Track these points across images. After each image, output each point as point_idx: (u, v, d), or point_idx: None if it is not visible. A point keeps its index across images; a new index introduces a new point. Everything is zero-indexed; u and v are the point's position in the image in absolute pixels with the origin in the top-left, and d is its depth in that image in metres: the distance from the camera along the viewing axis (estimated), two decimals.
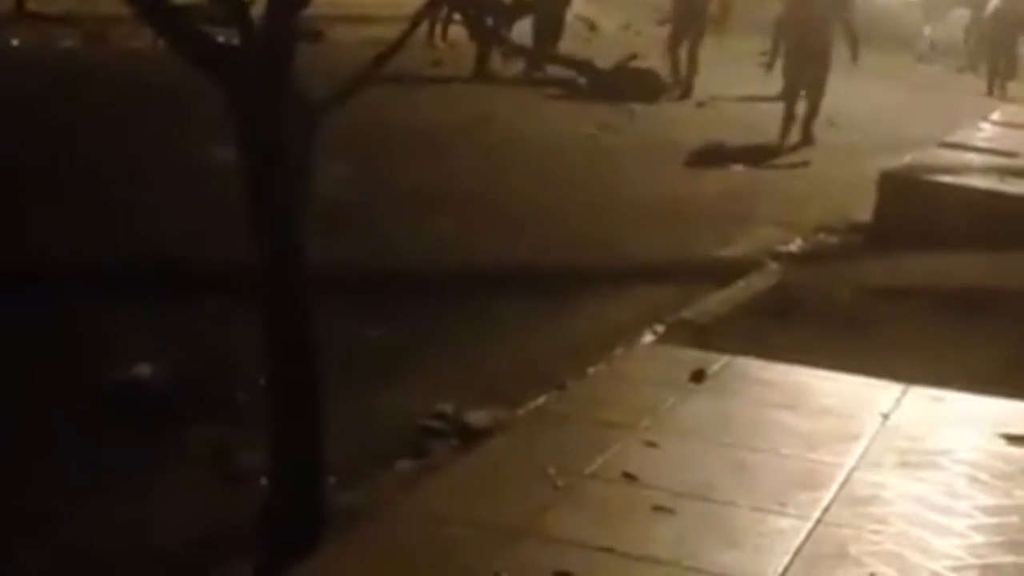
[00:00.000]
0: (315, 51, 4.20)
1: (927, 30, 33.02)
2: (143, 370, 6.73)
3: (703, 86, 21.09)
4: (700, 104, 19.89)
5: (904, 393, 6.98)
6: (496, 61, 20.83)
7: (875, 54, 29.88)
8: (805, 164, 15.88)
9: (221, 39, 4.81)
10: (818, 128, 18.43)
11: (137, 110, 13.63)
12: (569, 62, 21.29)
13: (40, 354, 6.99)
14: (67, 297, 7.87)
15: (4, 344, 7.04)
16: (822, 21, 17.50)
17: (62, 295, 7.90)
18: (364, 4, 22.72)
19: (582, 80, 20.70)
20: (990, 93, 26.05)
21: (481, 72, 20.31)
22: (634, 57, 20.99)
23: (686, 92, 20.77)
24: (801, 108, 17.51)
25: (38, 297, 7.80)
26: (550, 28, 21.82)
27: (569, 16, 22.24)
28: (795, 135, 17.31)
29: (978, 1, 30.01)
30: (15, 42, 17.36)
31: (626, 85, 20.29)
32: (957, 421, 6.69)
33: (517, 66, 21.11)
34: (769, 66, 17.97)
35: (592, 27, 21.75)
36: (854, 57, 18.15)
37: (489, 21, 21.04)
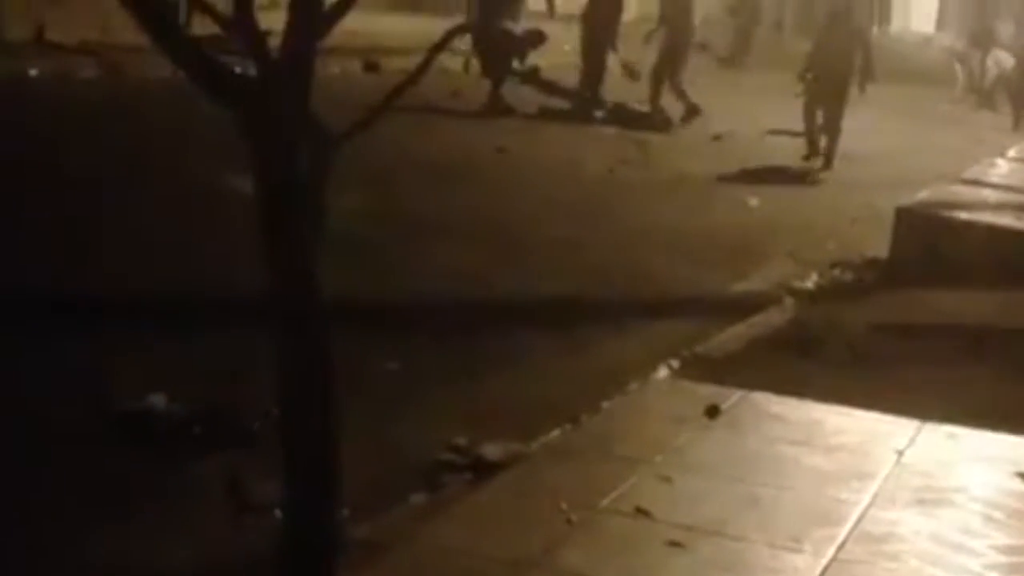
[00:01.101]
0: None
1: (960, 71, 33.05)
2: (157, 400, 6.73)
3: (719, 120, 21.11)
4: (716, 137, 19.90)
5: (919, 430, 6.97)
6: (511, 95, 20.80)
7: (895, 88, 30.01)
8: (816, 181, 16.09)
9: (238, 69, 4.83)
10: (835, 162, 18.50)
11: (155, 140, 13.67)
12: (569, 92, 21.32)
13: (54, 383, 6.99)
14: (81, 326, 7.88)
15: (19, 372, 7.05)
16: (844, 55, 18.29)
17: (77, 324, 7.91)
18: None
19: (600, 113, 20.73)
20: (1016, 128, 26.21)
21: (493, 107, 20.23)
22: (633, 72, 21.13)
23: (690, 114, 20.81)
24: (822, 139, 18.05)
25: (53, 326, 7.81)
26: (594, 69, 21.73)
27: (611, 61, 22.19)
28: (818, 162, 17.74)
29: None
30: (34, 72, 17.42)
31: (640, 118, 20.33)
32: (972, 458, 6.67)
33: (533, 99, 21.11)
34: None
35: (633, 75, 21.70)
36: (862, 88, 18.48)
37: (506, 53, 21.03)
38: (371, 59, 21.68)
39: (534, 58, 21.99)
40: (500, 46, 20.64)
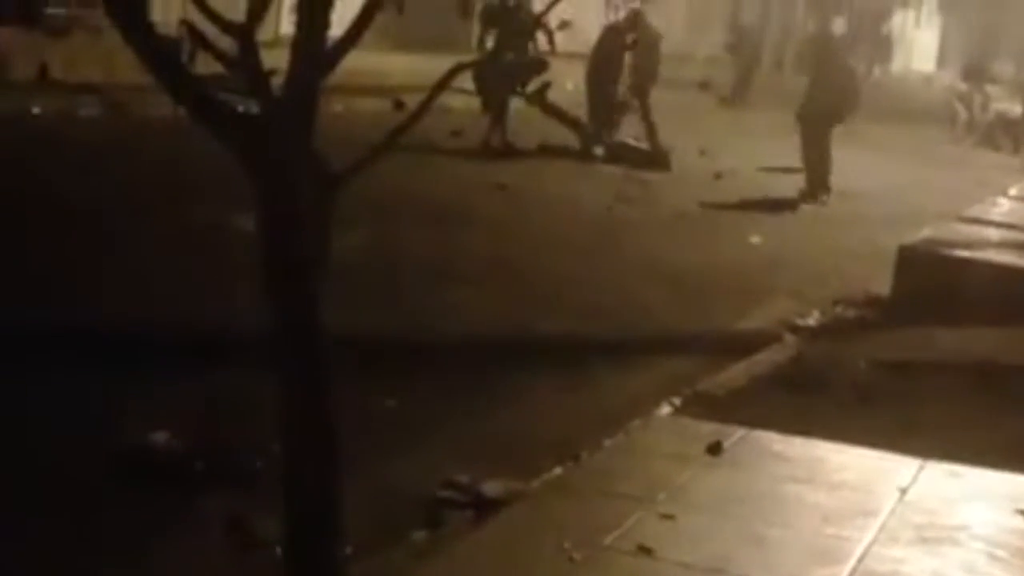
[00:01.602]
0: (397, 117, 4.28)
1: (961, 110, 33.14)
2: (159, 437, 6.72)
3: (721, 158, 21.14)
4: (717, 175, 19.93)
5: (921, 468, 6.96)
6: (511, 133, 20.80)
7: (896, 127, 30.09)
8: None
9: (241, 108, 4.84)
10: (836, 200, 18.56)
11: (157, 178, 13.69)
12: (576, 122, 21.35)
13: (57, 420, 6.98)
14: (84, 363, 7.88)
15: (21, 410, 7.04)
16: (830, 90, 19.26)
17: (78, 360, 7.91)
18: (423, 73, 22.87)
19: (599, 150, 20.75)
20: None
21: (488, 144, 20.20)
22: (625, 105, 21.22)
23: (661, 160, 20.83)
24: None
25: (55, 364, 7.81)
26: (603, 105, 21.74)
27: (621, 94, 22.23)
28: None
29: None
30: (36, 110, 17.46)
31: (640, 155, 20.35)
32: (975, 497, 6.66)
33: (533, 136, 21.10)
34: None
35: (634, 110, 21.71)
36: (840, 120, 19.35)
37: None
38: (398, 97, 21.69)
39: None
40: (501, 81, 20.65)
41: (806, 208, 18.16)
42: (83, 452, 6.62)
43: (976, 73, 35.02)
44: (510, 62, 20.59)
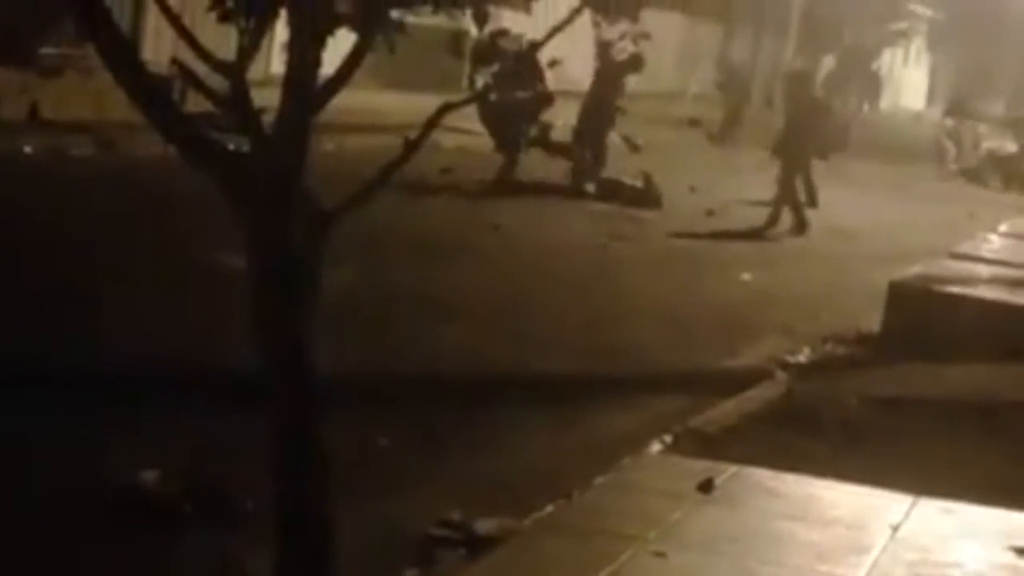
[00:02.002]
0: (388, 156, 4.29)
1: (950, 146, 33.23)
2: (149, 476, 6.71)
3: (713, 195, 21.16)
4: (709, 212, 19.95)
5: (913, 505, 6.95)
6: (522, 170, 20.85)
7: (885, 164, 30.17)
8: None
9: (231, 146, 4.84)
10: (826, 237, 18.61)
11: (147, 216, 13.68)
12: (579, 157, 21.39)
13: (48, 459, 6.96)
14: (75, 402, 7.86)
15: (13, 449, 7.02)
16: (798, 123, 20.15)
17: (71, 400, 7.89)
18: (413, 111, 22.92)
19: (590, 187, 20.76)
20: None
21: (502, 182, 20.26)
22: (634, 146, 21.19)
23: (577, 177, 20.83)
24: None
25: (47, 402, 7.79)
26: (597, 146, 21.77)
27: (615, 136, 22.23)
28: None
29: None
30: (28, 149, 17.45)
31: (632, 193, 20.35)
32: (967, 533, 6.66)
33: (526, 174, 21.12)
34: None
35: (635, 148, 21.69)
36: (823, 156, 20.71)
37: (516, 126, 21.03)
38: (409, 136, 21.64)
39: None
40: (509, 116, 20.63)
41: (794, 243, 18.18)
42: (74, 491, 6.60)
43: (958, 109, 35.34)
44: (518, 99, 20.63)
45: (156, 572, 5.87)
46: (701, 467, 7.31)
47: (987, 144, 31.70)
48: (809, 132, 20.10)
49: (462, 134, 22.15)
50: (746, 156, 26.53)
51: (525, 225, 16.88)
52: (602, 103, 21.81)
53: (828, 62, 53.32)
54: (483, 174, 20.56)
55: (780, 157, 20.00)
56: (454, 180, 19.79)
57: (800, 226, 19.30)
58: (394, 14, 4.69)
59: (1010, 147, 31.31)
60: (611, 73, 22.06)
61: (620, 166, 21.47)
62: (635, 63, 22.11)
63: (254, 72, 4.92)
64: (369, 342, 9.86)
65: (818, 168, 21.99)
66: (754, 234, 18.58)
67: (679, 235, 17.68)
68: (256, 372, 4.88)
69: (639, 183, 20.66)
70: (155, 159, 14.73)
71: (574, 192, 20.55)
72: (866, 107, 50.83)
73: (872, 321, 12.01)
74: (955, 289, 11.91)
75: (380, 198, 5.12)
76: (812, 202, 20.84)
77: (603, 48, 22.60)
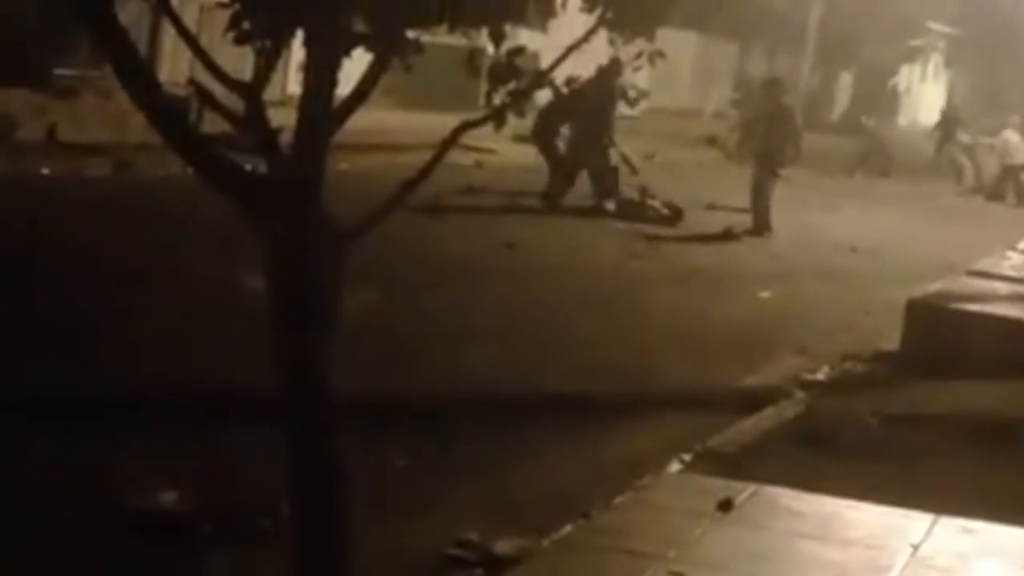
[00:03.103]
0: (404, 176, 4.31)
1: (966, 163, 33.20)
2: (168, 497, 6.71)
3: (731, 213, 21.13)
4: (727, 231, 19.94)
5: (934, 524, 6.92)
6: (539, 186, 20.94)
7: (903, 180, 30.12)
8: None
9: (249, 167, 4.85)
10: (844, 255, 18.58)
11: (165, 237, 13.71)
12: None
13: (66, 480, 6.96)
14: (94, 423, 7.87)
15: (31, 470, 7.03)
16: (768, 130, 21.43)
17: (89, 421, 7.90)
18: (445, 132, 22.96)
19: (610, 205, 20.77)
20: None
21: (554, 200, 20.49)
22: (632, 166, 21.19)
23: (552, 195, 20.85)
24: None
25: (64, 423, 7.80)
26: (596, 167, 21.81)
27: (614, 156, 22.26)
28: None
29: None
30: (45, 171, 17.50)
31: (648, 211, 20.35)
32: (987, 552, 6.63)
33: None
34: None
35: (633, 170, 21.59)
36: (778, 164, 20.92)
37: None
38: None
39: None
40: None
41: (813, 261, 18.12)
42: (92, 512, 6.60)
43: (950, 123, 35.61)
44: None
45: None
46: (720, 486, 7.29)
47: (1009, 160, 31.61)
48: (777, 139, 21.03)
49: (480, 152, 22.20)
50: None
51: (540, 244, 16.88)
52: (600, 122, 21.93)
53: (845, 79, 53.43)
54: (501, 193, 20.62)
55: (755, 161, 21.21)
56: (474, 199, 19.82)
57: (761, 229, 20.20)
58: (410, 33, 4.68)
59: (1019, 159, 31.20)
60: (604, 89, 22.16)
61: (631, 184, 21.48)
62: (614, 68, 22.22)
63: (271, 92, 4.92)
64: (386, 361, 9.84)
65: (837, 185, 22.03)
66: (761, 246, 18.63)
67: (697, 253, 17.67)
68: (273, 391, 4.87)
69: (657, 202, 20.66)
70: (173, 180, 14.80)
71: (594, 210, 20.56)
72: (871, 121, 50.84)
73: (891, 339, 11.97)
74: (974, 307, 11.86)
75: (398, 217, 5.12)
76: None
77: (605, 71, 22.74)
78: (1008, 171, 31.47)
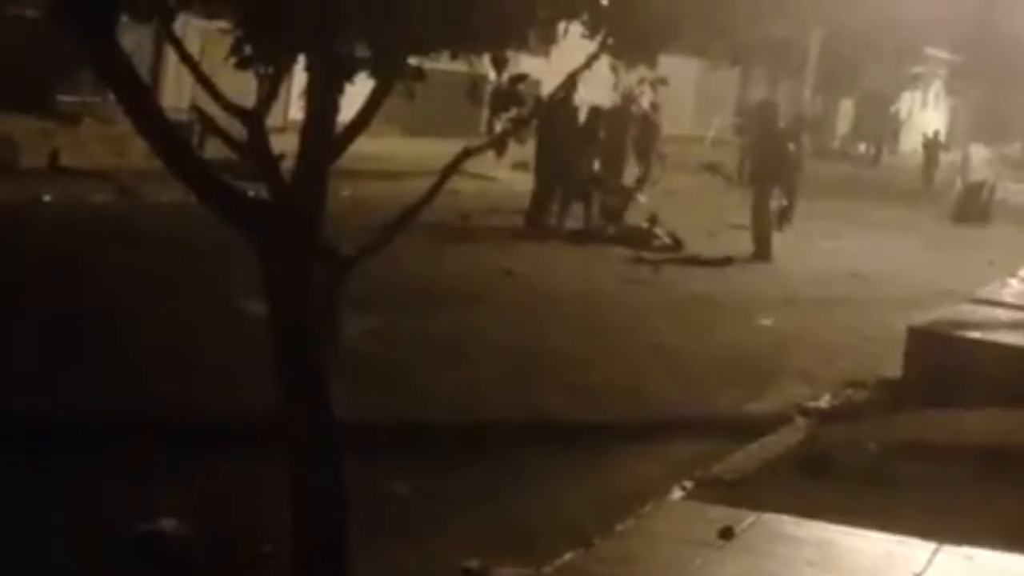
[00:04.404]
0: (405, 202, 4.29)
1: (959, 183, 33.24)
2: (168, 524, 6.69)
3: (732, 239, 21.15)
4: (727, 258, 19.94)
5: (936, 552, 6.90)
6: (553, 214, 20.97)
7: (903, 208, 30.13)
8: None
9: (251, 193, 4.85)
10: (846, 282, 18.60)
11: (167, 263, 13.71)
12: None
13: (67, 506, 6.95)
14: (94, 449, 7.86)
15: (32, 495, 7.02)
16: (764, 154, 21.81)
17: (89, 447, 7.89)
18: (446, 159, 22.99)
19: (610, 230, 20.79)
20: None
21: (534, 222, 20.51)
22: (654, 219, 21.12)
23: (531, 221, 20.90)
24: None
25: (67, 449, 7.79)
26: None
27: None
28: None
29: None
30: (48, 197, 17.52)
31: (653, 240, 20.34)
32: None
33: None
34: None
35: (654, 221, 21.55)
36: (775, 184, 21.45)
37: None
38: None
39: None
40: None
41: (815, 288, 18.12)
42: (92, 538, 6.58)
43: (933, 147, 36.13)
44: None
45: None
46: (722, 514, 7.27)
47: (967, 177, 31.67)
48: (772, 162, 21.28)
49: (482, 180, 22.21)
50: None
51: (539, 270, 16.87)
52: (616, 148, 22.10)
53: (846, 105, 53.51)
54: (501, 219, 20.64)
55: (753, 186, 21.35)
56: (474, 225, 19.83)
57: (762, 255, 20.27)
58: (412, 60, 4.69)
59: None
60: (621, 119, 22.38)
61: (634, 210, 21.51)
62: (631, 96, 22.77)
63: (273, 118, 4.92)
64: (386, 387, 9.84)
65: (839, 212, 22.06)
66: (762, 273, 18.66)
67: (698, 279, 17.66)
68: (274, 417, 4.87)
69: (657, 227, 20.67)
70: (174, 205, 14.79)
71: (594, 235, 20.58)
72: (885, 150, 50.93)
73: (892, 366, 11.95)
74: (975, 334, 11.84)
75: (398, 243, 5.12)
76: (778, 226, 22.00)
77: (624, 100, 22.99)
78: (970, 189, 31.37)
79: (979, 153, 32.61)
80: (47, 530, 6.63)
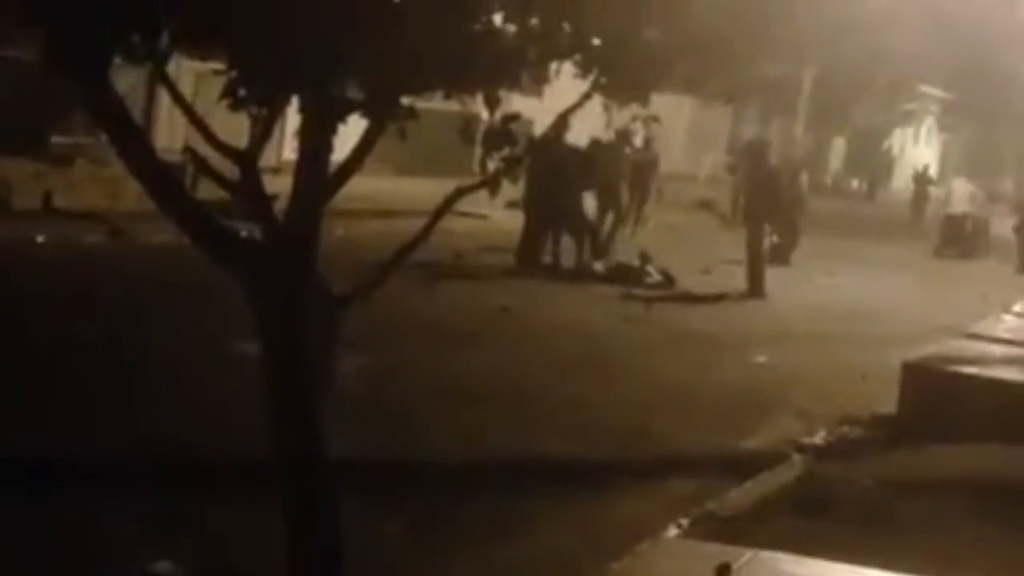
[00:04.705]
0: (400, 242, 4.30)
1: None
2: (162, 566, 6.67)
3: (725, 277, 21.17)
4: (721, 295, 19.97)
5: None
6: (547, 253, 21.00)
7: (896, 244, 30.18)
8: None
9: (244, 233, 4.85)
10: (840, 318, 18.62)
11: (160, 304, 13.70)
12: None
13: (59, 548, 6.93)
14: (87, 491, 7.83)
15: (24, 537, 6.99)
16: (755, 193, 21.97)
17: (82, 491, 7.86)
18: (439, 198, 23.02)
19: (599, 266, 20.81)
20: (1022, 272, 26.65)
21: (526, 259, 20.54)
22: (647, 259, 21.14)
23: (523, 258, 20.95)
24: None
25: (58, 493, 7.76)
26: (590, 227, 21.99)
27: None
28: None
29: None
30: (40, 239, 17.51)
31: (644, 277, 20.35)
32: None
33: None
34: None
35: (646, 259, 21.54)
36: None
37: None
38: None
39: None
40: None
41: (809, 324, 18.12)
42: None
43: (922, 182, 36.61)
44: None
45: None
46: (718, 551, 7.23)
47: (948, 210, 31.85)
48: (765, 199, 21.35)
49: (475, 218, 22.23)
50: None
51: (534, 309, 16.87)
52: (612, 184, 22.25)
53: (838, 142, 53.65)
54: (496, 257, 20.65)
55: (746, 225, 21.35)
56: (465, 264, 19.84)
57: (756, 293, 20.31)
58: (405, 100, 4.69)
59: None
60: (617, 155, 22.55)
61: (625, 247, 21.54)
62: (623, 137, 22.97)
63: (267, 158, 4.93)
64: (381, 427, 9.82)
65: (832, 248, 22.09)
66: (756, 310, 18.68)
67: (692, 317, 17.67)
68: (268, 458, 4.85)
69: (649, 265, 20.68)
70: (167, 246, 14.81)
71: (582, 273, 20.59)
72: (878, 187, 51.08)
73: (887, 402, 11.94)
74: (970, 370, 11.83)
75: (393, 281, 5.12)
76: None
77: (620, 135, 23.10)
78: (950, 222, 31.46)
79: (962, 187, 32.76)
80: (46, 570, 6.61)
